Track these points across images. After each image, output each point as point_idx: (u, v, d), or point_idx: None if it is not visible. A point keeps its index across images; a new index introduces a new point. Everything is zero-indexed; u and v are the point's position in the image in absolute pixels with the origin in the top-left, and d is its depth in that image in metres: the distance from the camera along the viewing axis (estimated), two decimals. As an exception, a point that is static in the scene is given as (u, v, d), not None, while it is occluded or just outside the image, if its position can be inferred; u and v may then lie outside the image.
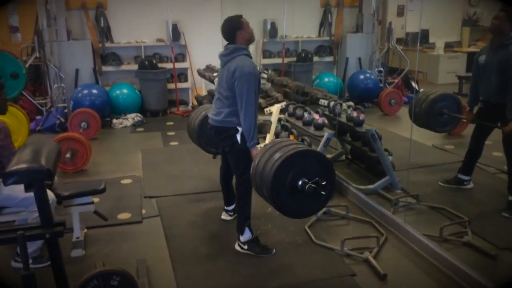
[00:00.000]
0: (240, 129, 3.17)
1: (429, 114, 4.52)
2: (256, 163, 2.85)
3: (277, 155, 2.69)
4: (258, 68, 7.58)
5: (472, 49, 10.36)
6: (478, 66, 4.12)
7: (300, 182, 2.67)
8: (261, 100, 6.03)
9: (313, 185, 2.65)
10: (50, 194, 2.99)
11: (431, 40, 9.94)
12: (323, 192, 2.68)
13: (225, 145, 3.35)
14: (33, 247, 3.03)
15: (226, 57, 3.20)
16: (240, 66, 3.06)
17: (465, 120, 4.52)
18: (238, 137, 3.18)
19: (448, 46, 10.25)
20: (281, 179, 2.67)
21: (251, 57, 3.23)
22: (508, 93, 3.77)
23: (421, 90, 8.53)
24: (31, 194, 2.12)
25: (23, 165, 2.10)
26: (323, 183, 2.68)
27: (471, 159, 4.33)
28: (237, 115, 3.15)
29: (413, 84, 8.36)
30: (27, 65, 6.68)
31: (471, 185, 4.38)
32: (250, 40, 3.26)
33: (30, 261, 3.02)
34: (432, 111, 4.54)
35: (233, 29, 3.16)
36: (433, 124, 4.65)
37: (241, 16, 3.24)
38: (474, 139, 4.31)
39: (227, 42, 3.25)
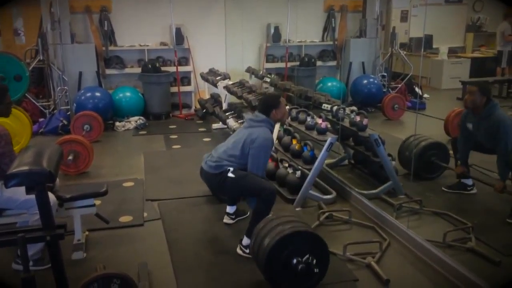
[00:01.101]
0: (231, 168, 3.35)
1: (418, 162, 4.51)
2: (252, 244, 2.93)
3: (266, 241, 2.76)
4: (261, 72, 7.61)
5: (476, 54, 10.37)
6: (467, 131, 4.20)
7: (294, 262, 2.72)
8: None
9: (305, 265, 2.70)
10: (51, 197, 2.98)
11: (434, 45, 9.94)
12: (316, 270, 2.72)
13: (221, 188, 3.53)
14: (34, 249, 3.02)
15: (254, 122, 3.46)
16: (263, 138, 3.34)
17: (454, 171, 4.49)
18: (231, 175, 3.34)
19: (452, 52, 10.26)
20: (274, 262, 2.73)
21: (272, 132, 3.51)
22: (498, 159, 3.91)
23: (425, 95, 8.54)
24: (32, 196, 2.12)
25: (25, 167, 2.09)
26: (315, 261, 2.72)
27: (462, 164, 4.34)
28: (232, 166, 3.37)
29: (417, 89, 8.34)
30: (30, 68, 6.70)
31: (474, 190, 4.36)
32: (283, 119, 3.63)
33: (31, 263, 3.01)
34: (421, 159, 4.57)
35: (271, 107, 3.45)
36: (422, 171, 4.66)
37: (280, 96, 3.59)
38: (460, 152, 4.33)
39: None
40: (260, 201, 3.26)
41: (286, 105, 3.55)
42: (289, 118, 5.03)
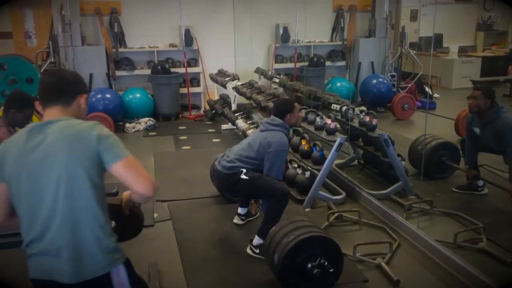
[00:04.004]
0: (244, 170, 3.33)
1: (428, 161, 4.49)
2: (268, 243, 2.93)
3: (276, 257, 2.78)
4: (270, 72, 7.61)
5: (487, 53, 10.27)
6: (474, 135, 4.15)
7: (308, 266, 2.74)
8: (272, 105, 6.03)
9: (319, 269, 2.72)
10: None
11: (445, 44, 9.86)
12: (331, 270, 2.73)
13: (234, 189, 3.58)
14: None
15: (270, 125, 3.48)
16: (279, 142, 3.35)
17: (465, 172, 4.44)
18: (244, 176, 3.32)
19: (462, 51, 10.17)
20: (290, 265, 2.75)
21: (288, 136, 3.56)
22: (508, 165, 3.88)
23: (435, 95, 8.48)
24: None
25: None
26: (326, 263, 2.74)
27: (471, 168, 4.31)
28: (246, 168, 3.35)
29: (427, 88, 8.29)
30: (42, 70, 6.77)
31: (485, 191, 4.32)
32: (296, 124, 3.67)
33: None
34: (431, 159, 4.56)
35: (285, 111, 3.50)
36: (432, 171, 4.63)
37: (294, 101, 3.63)
38: (468, 155, 4.29)
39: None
40: (274, 202, 3.27)
41: (300, 110, 3.63)
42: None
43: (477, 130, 4.09)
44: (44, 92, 1.80)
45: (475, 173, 4.25)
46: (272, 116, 3.54)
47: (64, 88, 1.78)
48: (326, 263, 2.73)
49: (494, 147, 4.05)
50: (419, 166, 4.52)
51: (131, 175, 1.74)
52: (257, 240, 3.31)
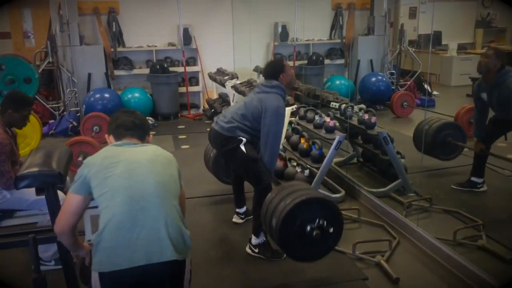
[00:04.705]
0: (244, 139, 3.25)
1: (433, 142, 4.52)
2: (265, 210, 2.89)
3: (274, 221, 2.73)
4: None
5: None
6: (481, 102, 4.09)
7: (308, 229, 2.68)
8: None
9: (319, 230, 2.67)
10: (61, 195, 2.99)
11: (444, 42, 9.85)
12: (330, 231, 2.69)
13: (227, 156, 3.45)
14: (54, 248, 3.03)
15: (265, 87, 3.34)
16: (276, 106, 3.22)
17: (472, 149, 4.38)
18: (243, 147, 3.25)
19: (461, 48, 10.15)
20: (289, 228, 2.70)
21: (284, 99, 3.39)
22: None
23: (434, 92, 8.48)
24: (42, 196, 2.14)
25: (35, 169, 2.12)
26: (326, 225, 2.70)
27: (480, 160, 4.27)
28: (245, 132, 3.27)
29: (426, 86, 8.29)
30: (40, 70, 6.76)
31: (485, 188, 4.31)
32: (291, 82, 3.48)
33: (53, 262, 3.08)
34: (436, 139, 4.55)
35: (277, 72, 3.36)
36: (438, 152, 4.64)
37: (283, 60, 3.44)
38: (477, 126, 4.25)
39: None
40: (256, 194, 3.27)
41: (290, 67, 3.46)
42: (298, 117, 5.03)
43: (484, 95, 4.00)
44: (122, 126, 2.19)
45: (482, 146, 4.16)
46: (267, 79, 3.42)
47: (140, 126, 2.24)
48: (325, 224, 2.67)
49: (499, 113, 3.96)
50: (425, 150, 4.47)
51: (184, 203, 2.18)
52: (254, 240, 3.31)
